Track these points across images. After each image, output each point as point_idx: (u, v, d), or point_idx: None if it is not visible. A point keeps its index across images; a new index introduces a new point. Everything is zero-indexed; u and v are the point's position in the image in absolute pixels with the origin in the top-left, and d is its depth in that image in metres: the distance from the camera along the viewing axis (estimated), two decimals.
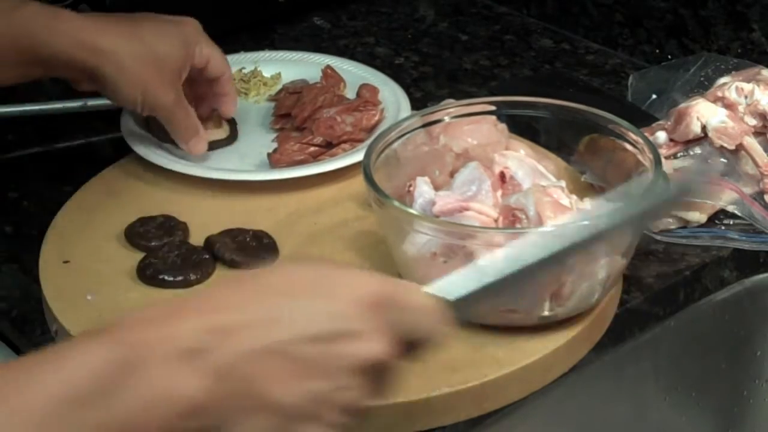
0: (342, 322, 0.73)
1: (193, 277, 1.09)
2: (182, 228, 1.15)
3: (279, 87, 1.39)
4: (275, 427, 0.71)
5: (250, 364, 0.70)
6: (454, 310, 0.76)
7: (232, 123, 1.30)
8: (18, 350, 1.12)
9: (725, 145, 1.17)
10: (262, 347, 0.70)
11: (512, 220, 1.03)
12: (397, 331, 0.74)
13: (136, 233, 1.14)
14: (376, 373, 0.74)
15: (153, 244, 1.12)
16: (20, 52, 1.15)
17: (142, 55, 1.17)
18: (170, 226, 1.15)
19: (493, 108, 1.14)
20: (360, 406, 0.73)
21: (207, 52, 1.23)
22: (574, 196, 1.07)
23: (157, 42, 1.18)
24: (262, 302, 0.73)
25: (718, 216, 1.18)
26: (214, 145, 1.27)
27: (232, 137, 1.29)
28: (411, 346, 0.75)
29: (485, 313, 1.01)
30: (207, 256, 1.11)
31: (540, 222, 1.01)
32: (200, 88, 1.27)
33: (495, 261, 0.81)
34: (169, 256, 1.10)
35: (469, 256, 0.99)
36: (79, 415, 0.67)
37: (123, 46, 1.16)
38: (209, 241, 1.12)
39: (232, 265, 1.10)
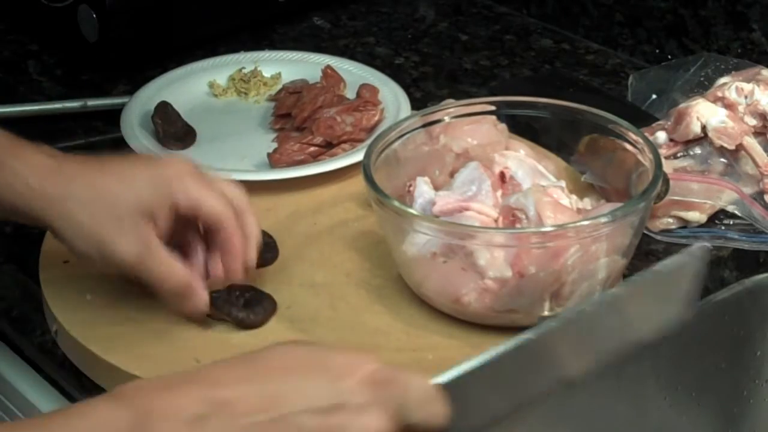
0: (343, 395, 0.73)
1: None
2: None
3: (279, 87, 1.39)
4: None
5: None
6: (450, 393, 0.76)
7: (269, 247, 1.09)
8: (18, 350, 1.12)
9: (725, 145, 1.17)
10: (264, 419, 0.71)
11: (512, 220, 1.03)
12: (396, 411, 0.73)
13: None
14: None
15: None
16: None
17: (95, 202, 0.96)
18: None
19: (493, 108, 1.15)
20: None
21: (196, 193, 0.98)
22: (574, 196, 1.08)
23: (116, 184, 0.97)
24: (263, 378, 0.74)
25: (718, 216, 1.18)
26: None
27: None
28: (407, 429, 0.74)
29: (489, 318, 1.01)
30: None
31: (540, 222, 1.01)
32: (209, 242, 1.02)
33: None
34: None
35: (469, 256, 1.00)
36: None
37: (73, 191, 0.96)
38: None
39: None
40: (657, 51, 1.48)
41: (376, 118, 1.30)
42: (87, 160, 1.00)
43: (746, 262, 1.18)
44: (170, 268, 0.97)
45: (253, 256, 1.01)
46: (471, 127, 1.13)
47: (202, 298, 0.99)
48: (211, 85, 1.40)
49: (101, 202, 0.96)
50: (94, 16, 1.43)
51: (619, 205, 1.01)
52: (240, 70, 1.41)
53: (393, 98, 1.33)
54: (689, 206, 1.17)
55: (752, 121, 1.20)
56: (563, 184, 1.08)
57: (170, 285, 0.97)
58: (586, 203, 1.08)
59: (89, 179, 0.97)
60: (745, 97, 1.20)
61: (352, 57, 1.46)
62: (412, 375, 0.75)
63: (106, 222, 0.95)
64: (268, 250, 1.10)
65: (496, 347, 0.76)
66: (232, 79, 1.40)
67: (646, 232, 1.16)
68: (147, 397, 0.73)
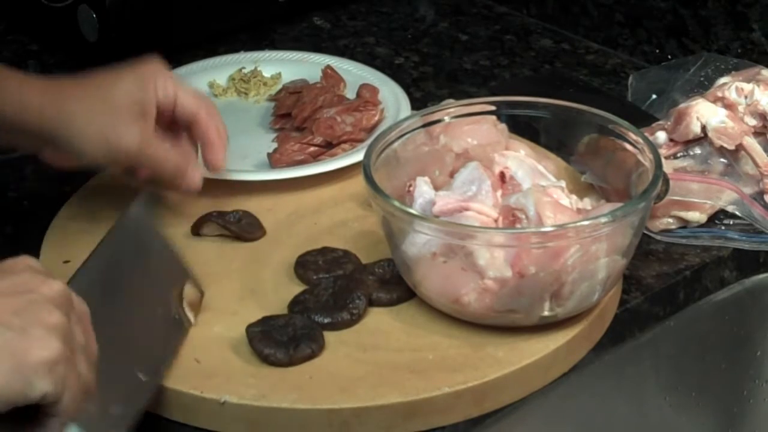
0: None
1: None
2: None
3: (279, 87, 1.39)
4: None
5: None
6: None
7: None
8: None
9: (725, 145, 1.17)
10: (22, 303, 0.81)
11: (512, 220, 1.03)
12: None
13: None
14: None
15: None
16: None
17: (92, 104, 1.06)
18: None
19: (493, 108, 1.15)
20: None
21: (172, 88, 1.10)
22: (574, 196, 1.08)
23: (106, 87, 1.08)
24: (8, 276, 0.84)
25: (718, 216, 1.18)
26: None
27: None
28: None
29: (484, 313, 1.01)
30: None
31: (540, 222, 1.01)
32: (181, 143, 1.14)
33: None
34: None
35: (468, 256, 1.00)
36: None
37: (71, 102, 1.06)
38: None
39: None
40: (657, 51, 1.48)
41: (376, 118, 1.30)
42: (75, 76, 1.09)
43: (746, 262, 1.18)
44: (169, 151, 1.09)
45: (224, 153, 1.13)
46: (471, 127, 1.13)
47: (196, 174, 1.11)
48: (211, 85, 1.40)
49: (98, 102, 1.06)
50: (94, 16, 1.43)
51: (619, 205, 1.01)
52: (240, 70, 1.41)
53: (393, 98, 1.33)
54: (689, 206, 1.17)
55: (752, 121, 1.20)
56: (563, 184, 1.08)
57: (170, 165, 1.09)
58: (586, 203, 1.08)
59: (82, 87, 1.08)
60: (745, 97, 1.20)
61: (352, 57, 1.46)
62: None
63: (106, 119, 1.06)
64: (256, 228, 1.13)
65: None
66: (232, 79, 1.40)
67: (646, 232, 1.16)
68: None
